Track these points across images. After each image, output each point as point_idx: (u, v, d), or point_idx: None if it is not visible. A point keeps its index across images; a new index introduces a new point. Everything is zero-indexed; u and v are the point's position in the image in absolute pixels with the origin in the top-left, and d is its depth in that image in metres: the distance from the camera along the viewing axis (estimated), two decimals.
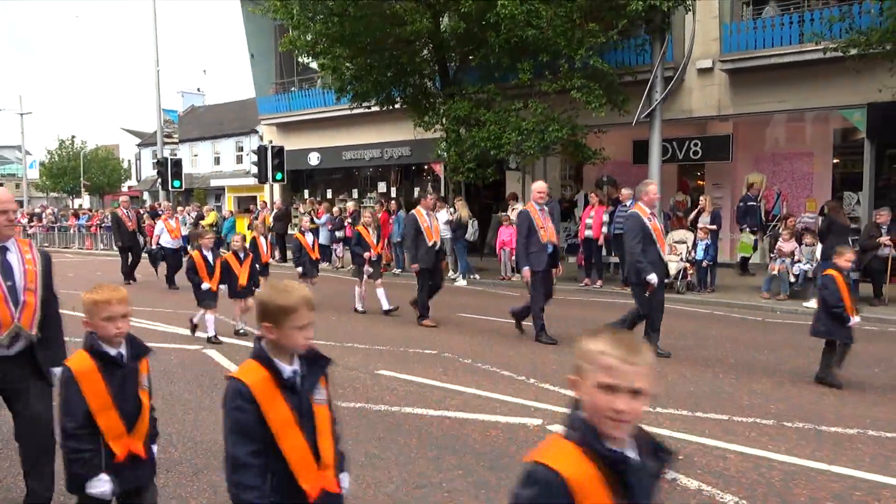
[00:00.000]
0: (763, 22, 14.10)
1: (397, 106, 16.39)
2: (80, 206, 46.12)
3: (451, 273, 14.83)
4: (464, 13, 13.09)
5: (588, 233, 12.91)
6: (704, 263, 11.87)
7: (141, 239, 15.40)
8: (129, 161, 50.76)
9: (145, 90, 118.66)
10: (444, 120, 14.89)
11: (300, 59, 21.10)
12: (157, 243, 14.31)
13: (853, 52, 10.89)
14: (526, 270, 7.99)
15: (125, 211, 14.59)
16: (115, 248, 16.50)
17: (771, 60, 13.80)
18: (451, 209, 14.70)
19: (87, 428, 2.63)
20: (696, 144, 16.18)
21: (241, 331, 8.37)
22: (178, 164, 21.87)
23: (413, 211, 9.69)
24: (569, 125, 13.10)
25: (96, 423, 2.65)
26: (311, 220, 12.66)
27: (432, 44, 15.15)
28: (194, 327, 8.40)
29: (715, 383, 6.25)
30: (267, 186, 21.69)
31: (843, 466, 4.26)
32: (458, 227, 14.34)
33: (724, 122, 15.80)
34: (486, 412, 5.39)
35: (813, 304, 10.52)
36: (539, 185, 8.41)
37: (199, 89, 43.78)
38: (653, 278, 6.93)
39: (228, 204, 30.44)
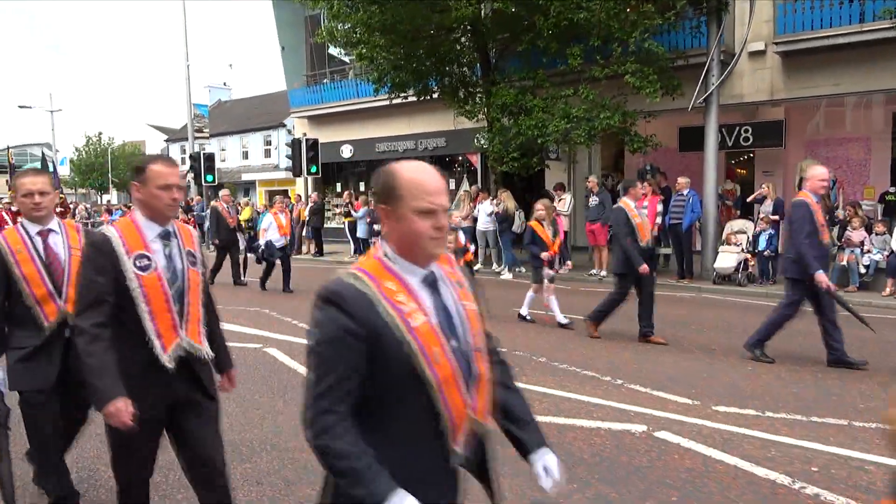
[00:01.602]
0: (820, 1, 13.48)
1: (436, 96, 16.01)
2: (109, 201, 46.52)
3: (495, 266, 14.50)
4: None
5: None
6: (767, 254, 11.39)
7: (240, 236, 13.81)
8: None
9: (170, 86, 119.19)
10: (486, 109, 14.48)
11: (333, 51, 20.81)
12: (265, 239, 11.83)
13: None
14: (821, 275, 6.21)
15: (225, 205, 12.89)
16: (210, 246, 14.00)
17: (828, 41, 13.19)
18: (495, 200, 14.34)
19: None
20: (746, 131, 15.61)
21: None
22: (210, 158, 21.77)
23: (620, 203, 7.74)
24: (619, 112, 12.62)
25: None
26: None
27: (473, 31, 14.72)
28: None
29: (818, 385, 5.83)
30: (300, 180, 21.51)
31: None
32: (503, 219, 13.97)
33: (776, 107, 15.21)
34: (583, 417, 5.04)
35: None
36: (820, 172, 6.49)
37: (224, 84, 43.73)
38: None
39: (260, 199, 30.34)
